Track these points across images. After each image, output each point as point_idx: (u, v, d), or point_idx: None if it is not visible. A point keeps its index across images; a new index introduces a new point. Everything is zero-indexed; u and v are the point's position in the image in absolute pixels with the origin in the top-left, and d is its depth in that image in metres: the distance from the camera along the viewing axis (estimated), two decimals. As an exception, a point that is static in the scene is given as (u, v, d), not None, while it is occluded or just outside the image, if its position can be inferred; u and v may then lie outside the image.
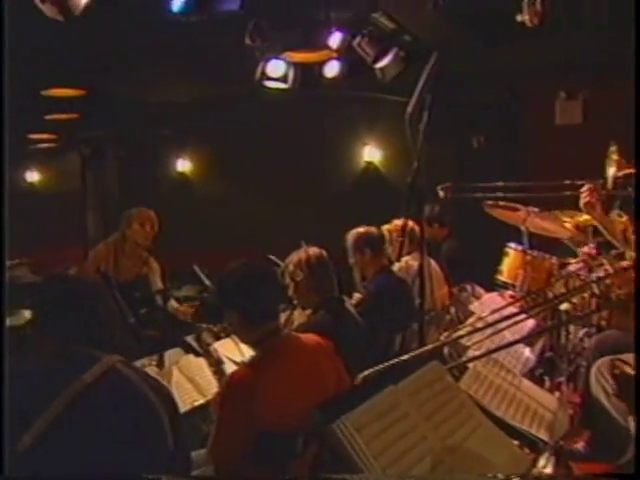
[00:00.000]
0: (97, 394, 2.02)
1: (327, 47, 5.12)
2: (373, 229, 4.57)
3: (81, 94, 7.87)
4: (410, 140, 2.87)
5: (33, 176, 12.53)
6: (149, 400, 2.08)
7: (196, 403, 3.30)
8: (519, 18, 4.08)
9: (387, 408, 1.47)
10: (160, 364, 3.49)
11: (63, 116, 9.21)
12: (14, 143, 9.87)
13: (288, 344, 2.64)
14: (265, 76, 5.52)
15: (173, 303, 5.42)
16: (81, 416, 1.98)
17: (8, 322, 6.54)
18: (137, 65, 6.71)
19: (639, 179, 2.85)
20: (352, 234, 4.52)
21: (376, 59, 5.22)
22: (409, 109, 2.85)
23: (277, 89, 5.67)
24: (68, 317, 2.14)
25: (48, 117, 9.27)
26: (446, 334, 2.70)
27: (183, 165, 10.23)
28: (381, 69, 5.38)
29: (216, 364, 3.21)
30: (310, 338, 2.72)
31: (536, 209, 4.55)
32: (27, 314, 6.96)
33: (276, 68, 5.48)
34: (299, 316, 3.89)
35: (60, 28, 3.87)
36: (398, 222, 4.98)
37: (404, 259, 4.81)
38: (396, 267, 4.72)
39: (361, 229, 4.54)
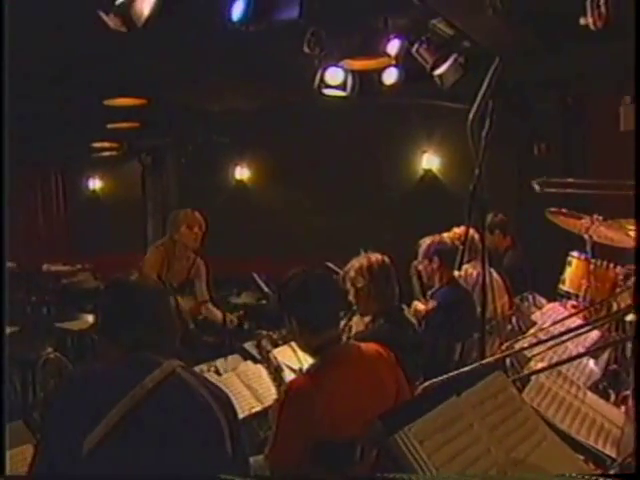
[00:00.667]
0: (158, 399, 2.04)
1: (385, 54, 5.08)
2: (446, 239, 4.53)
3: (142, 103, 8.02)
4: (471, 147, 2.82)
5: (95, 183, 12.86)
6: (208, 405, 2.09)
7: (253, 410, 3.32)
8: (582, 21, 3.97)
9: (450, 420, 1.44)
10: (218, 370, 3.52)
11: (125, 125, 9.40)
12: (78, 151, 10.14)
13: (348, 353, 2.63)
14: (323, 84, 5.51)
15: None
16: (142, 420, 2.01)
17: (70, 326, 6.73)
18: (197, 74, 6.81)
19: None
20: (424, 240, 4.50)
21: (435, 66, 5.16)
22: (470, 115, 2.81)
23: (335, 97, 5.66)
24: (130, 322, 2.17)
25: (110, 126, 9.47)
26: (507, 344, 2.65)
27: (241, 173, 10.33)
28: (440, 76, 5.31)
29: (275, 371, 3.22)
30: (370, 347, 2.70)
31: (600, 217, 4.43)
32: (90, 319, 7.11)
33: (334, 76, 5.47)
34: (357, 322, 3.87)
35: (123, 39, 3.93)
36: (458, 230, 4.96)
37: (463, 267, 4.76)
38: (455, 275, 4.67)
39: (436, 237, 4.52)
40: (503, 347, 2.56)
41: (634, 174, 2.67)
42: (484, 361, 1.94)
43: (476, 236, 4.57)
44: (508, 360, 2.51)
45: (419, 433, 1.34)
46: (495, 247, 5.47)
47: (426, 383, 1.94)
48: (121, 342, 2.17)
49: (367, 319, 3.67)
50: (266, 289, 4.82)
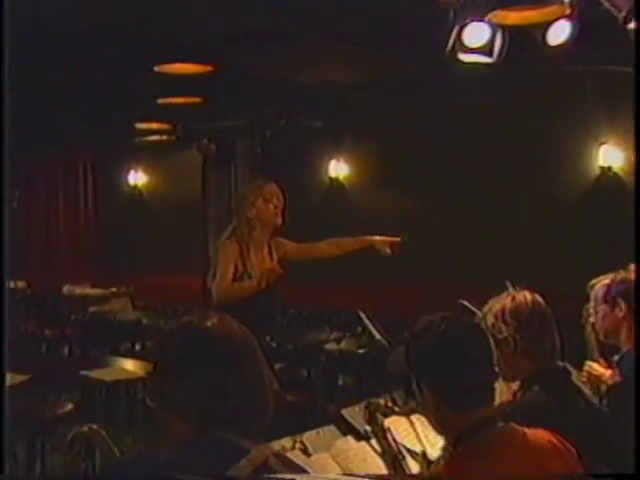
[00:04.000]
0: None
1: (555, 2, 4.98)
2: (631, 277, 4.37)
3: (206, 71, 8.11)
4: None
5: (138, 178, 13.16)
6: None
7: (356, 508, 3.28)
8: None
9: None
10: (307, 449, 3.48)
11: (181, 100, 9.54)
12: (115, 134, 10.40)
13: (507, 443, 2.52)
14: (461, 46, 5.46)
15: None
16: None
17: (100, 375, 6.84)
18: (281, 34, 6.85)
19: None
20: (600, 280, 4.35)
21: (631, 15, 5.01)
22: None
23: (477, 64, 5.61)
24: (204, 388, 2.13)
25: (161, 101, 9.65)
26: None
27: (337, 169, 10.41)
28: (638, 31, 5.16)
29: (394, 460, 3.16)
30: (539, 436, 2.59)
31: None
32: (127, 365, 7.20)
33: (477, 34, 5.40)
34: (500, 391, 3.79)
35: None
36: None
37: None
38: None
39: (619, 275, 4.35)
40: None
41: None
42: None
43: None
44: None
45: None
46: None
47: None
48: (191, 416, 2.13)
49: (514, 385, 3.57)
50: (377, 335, 4.75)
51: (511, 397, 3.54)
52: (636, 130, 2.74)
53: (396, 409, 3.49)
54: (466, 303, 4.60)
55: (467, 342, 2.57)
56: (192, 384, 2.14)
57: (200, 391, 2.14)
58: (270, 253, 5.53)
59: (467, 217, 8.97)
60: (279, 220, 5.50)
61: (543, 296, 3.50)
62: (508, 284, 3.67)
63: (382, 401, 3.52)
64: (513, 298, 3.43)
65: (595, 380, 4.23)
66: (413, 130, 9.19)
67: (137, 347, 9.50)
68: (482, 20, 5.38)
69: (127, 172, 13.21)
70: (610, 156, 8.41)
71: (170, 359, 2.23)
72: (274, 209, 5.46)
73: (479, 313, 3.68)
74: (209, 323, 2.23)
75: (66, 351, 10.03)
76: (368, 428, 3.41)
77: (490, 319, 3.43)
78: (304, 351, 7.38)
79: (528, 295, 3.45)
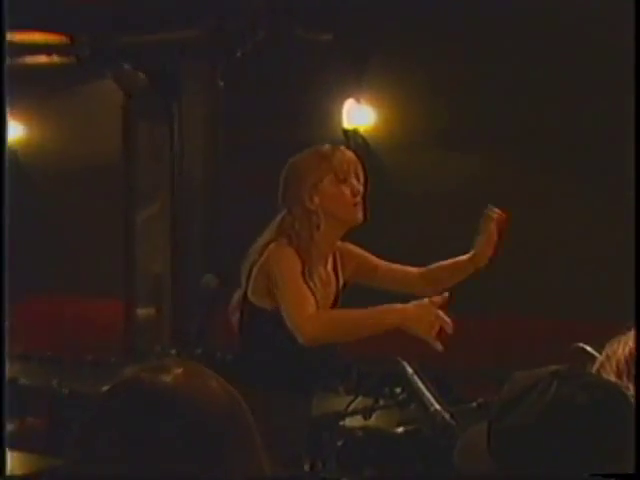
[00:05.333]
0: None
1: None
2: None
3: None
4: None
5: (9, 132, 13.02)
6: None
7: None
8: None
9: None
10: None
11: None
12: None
13: None
14: None
15: None
16: None
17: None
18: None
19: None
20: None
21: None
22: None
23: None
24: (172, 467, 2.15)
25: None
26: None
27: (355, 114, 10.67)
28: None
29: None
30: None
31: None
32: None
33: None
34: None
35: None
36: None
37: None
38: None
39: None
40: None
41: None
42: None
43: None
44: None
45: None
46: None
47: None
48: None
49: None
50: (434, 403, 4.69)
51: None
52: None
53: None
54: (588, 348, 4.60)
55: (599, 414, 2.60)
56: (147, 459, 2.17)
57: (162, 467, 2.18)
58: (335, 270, 5.53)
59: (570, 204, 9.38)
60: (359, 214, 5.40)
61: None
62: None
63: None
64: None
65: None
66: (481, 48, 9.48)
67: (10, 427, 9.43)
68: None
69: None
70: None
71: (100, 444, 2.23)
72: (352, 196, 5.35)
73: (598, 356, 3.73)
74: (169, 378, 2.25)
75: None
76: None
77: (608, 373, 3.48)
78: (307, 429, 7.34)
79: None
